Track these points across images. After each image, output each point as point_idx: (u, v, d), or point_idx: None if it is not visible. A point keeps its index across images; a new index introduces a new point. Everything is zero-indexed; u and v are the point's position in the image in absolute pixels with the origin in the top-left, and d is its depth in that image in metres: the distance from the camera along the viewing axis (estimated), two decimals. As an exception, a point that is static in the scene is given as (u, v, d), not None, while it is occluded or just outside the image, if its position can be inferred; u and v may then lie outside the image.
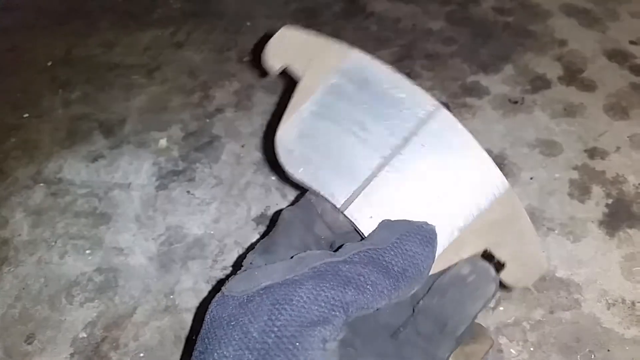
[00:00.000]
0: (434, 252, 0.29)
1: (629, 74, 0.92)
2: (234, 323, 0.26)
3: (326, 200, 0.33)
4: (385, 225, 0.30)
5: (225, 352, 0.25)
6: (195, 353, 0.28)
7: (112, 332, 0.63)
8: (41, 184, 0.81)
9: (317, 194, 0.33)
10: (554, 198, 0.74)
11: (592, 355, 0.58)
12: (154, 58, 1.02)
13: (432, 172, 0.29)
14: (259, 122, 0.87)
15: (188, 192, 0.78)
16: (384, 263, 0.27)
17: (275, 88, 0.92)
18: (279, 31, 0.34)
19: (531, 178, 0.76)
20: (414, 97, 0.30)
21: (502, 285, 0.31)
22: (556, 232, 0.70)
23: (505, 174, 0.76)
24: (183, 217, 0.75)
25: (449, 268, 0.31)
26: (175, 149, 0.84)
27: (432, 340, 0.29)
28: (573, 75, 0.92)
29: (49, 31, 1.11)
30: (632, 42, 0.98)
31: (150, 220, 0.75)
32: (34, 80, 0.99)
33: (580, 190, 0.74)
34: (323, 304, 0.25)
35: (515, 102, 0.88)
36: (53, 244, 0.73)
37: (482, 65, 0.96)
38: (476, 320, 0.61)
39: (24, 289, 0.68)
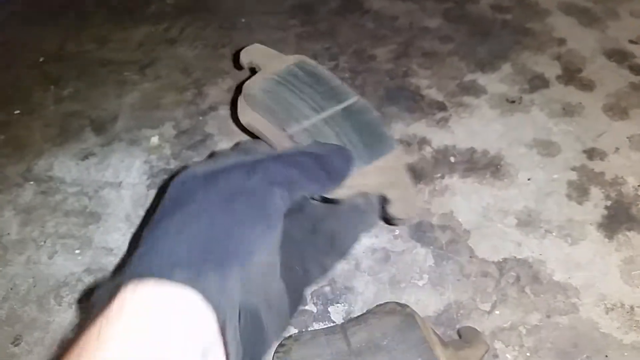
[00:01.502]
0: (351, 167, 0.37)
1: (629, 74, 0.91)
2: (210, 178, 0.30)
3: (274, 131, 0.41)
4: (317, 142, 0.38)
5: (210, 197, 0.29)
6: (158, 215, 0.29)
7: (101, 334, 0.62)
8: (31, 182, 0.79)
9: (262, 138, 0.41)
10: (551, 199, 0.73)
11: (590, 361, 0.57)
12: (147, 54, 1.00)
13: (353, 127, 0.40)
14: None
15: (180, 191, 0.77)
16: (320, 160, 0.35)
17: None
18: (252, 45, 0.46)
19: (528, 179, 0.75)
20: (342, 88, 0.42)
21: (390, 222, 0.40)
22: (554, 234, 0.69)
23: (502, 175, 0.75)
24: (175, 217, 0.73)
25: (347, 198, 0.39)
26: (167, 147, 0.83)
27: (324, 252, 0.37)
28: (572, 75, 0.91)
29: (42, 26, 1.09)
30: (631, 42, 0.97)
31: (141, 220, 0.73)
32: (25, 75, 0.98)
33: (578, 192, 0.73)
34: (280, 174, 0.32)
35: (513, 102, 0.87)
36: (42, 243, 0.71)
37: (480, 63, 0.94)
38: (471, 325, 0.60)
39: (11, 289, 0.67)
